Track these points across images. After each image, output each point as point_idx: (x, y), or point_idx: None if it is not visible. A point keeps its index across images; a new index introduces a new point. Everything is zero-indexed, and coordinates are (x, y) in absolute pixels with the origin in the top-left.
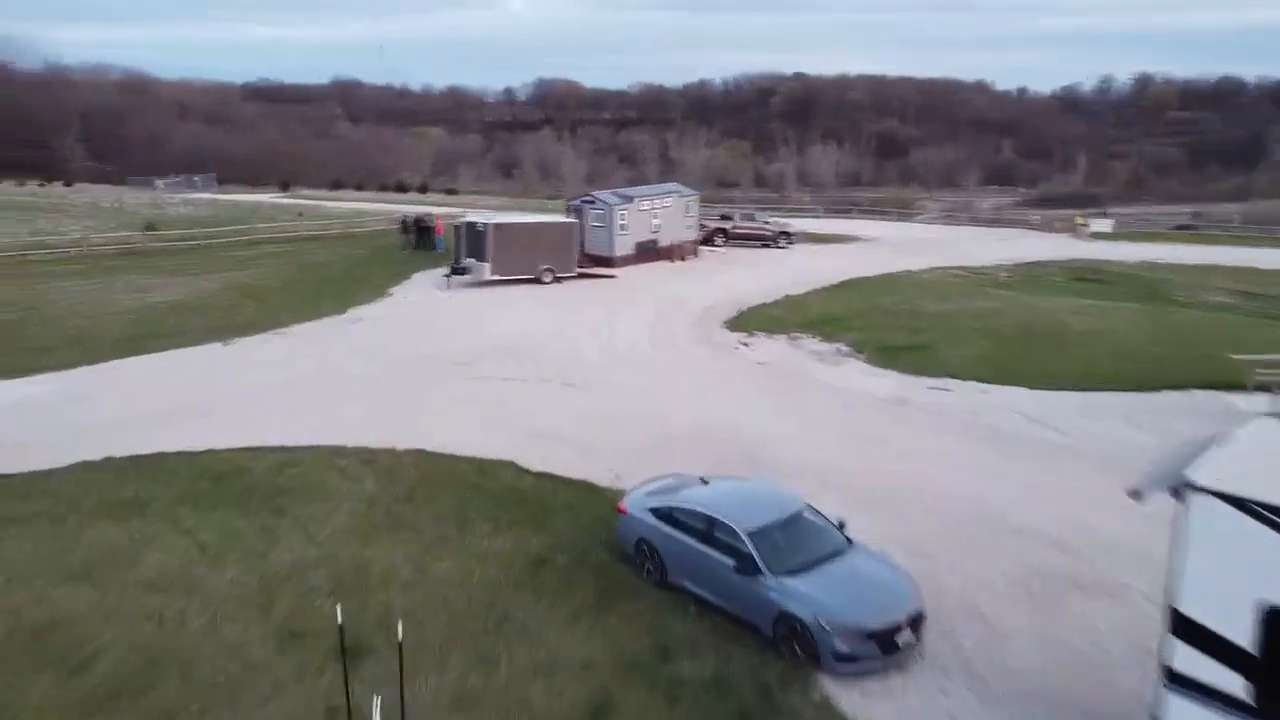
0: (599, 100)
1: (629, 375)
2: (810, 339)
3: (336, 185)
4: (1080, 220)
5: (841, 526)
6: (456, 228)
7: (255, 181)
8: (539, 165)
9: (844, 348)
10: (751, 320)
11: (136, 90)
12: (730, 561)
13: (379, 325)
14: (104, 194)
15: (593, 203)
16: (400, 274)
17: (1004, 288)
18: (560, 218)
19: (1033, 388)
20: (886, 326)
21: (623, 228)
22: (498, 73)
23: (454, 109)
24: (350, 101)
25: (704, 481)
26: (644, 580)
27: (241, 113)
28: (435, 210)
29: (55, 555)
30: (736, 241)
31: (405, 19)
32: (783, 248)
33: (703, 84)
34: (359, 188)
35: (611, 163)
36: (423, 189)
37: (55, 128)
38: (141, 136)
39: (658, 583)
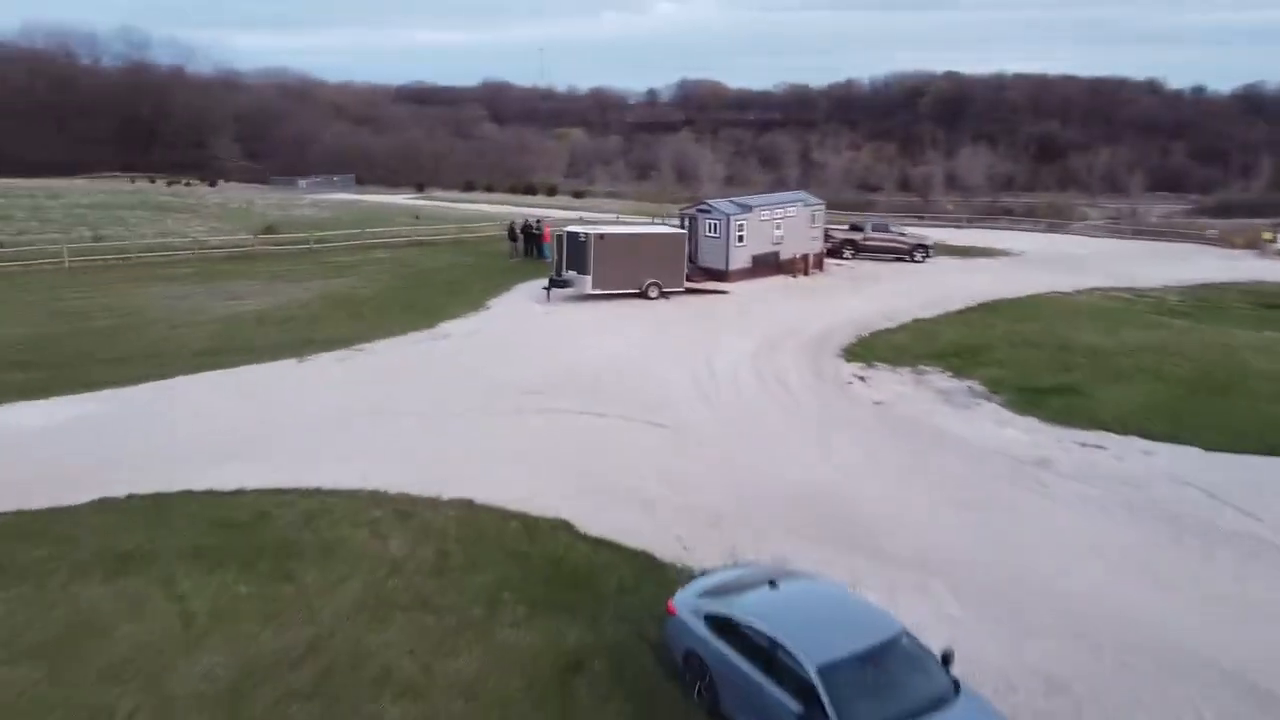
0: (742, 101)
1: (722, 414)
2: (938, 373)
3: (469, 186)
4: (1268, 235)
5: (947, 661)
6: (558, 238)
7: (394, 182)
8: (676, 167)
9: (977, 386)
10: (872, 349)
11: (296, 93)
12: (794, 705)
13: (464, 343)
14: (238, 194)
15: (708, 212)
16: (502, 284)
17: (1173, 316)
18: (669, 228)
19: (1210, 448)
20: (1030, 361)
21: (739, 240)
22: (644, 74)
23: (596, 110)
24: (497, 103)
25: (772, 584)
26: (693, 704)
27: (390, 114)
28: (561, 215)
29: (24, 621)
30: (867, 254)
31: (560, 23)
32: (918, 262)
33: (849, 84)
34: (489, 189)
35: (752, 165)
36: (551, 191)
37: (213, 129)
38: (291, 137)
39: (710, 710)
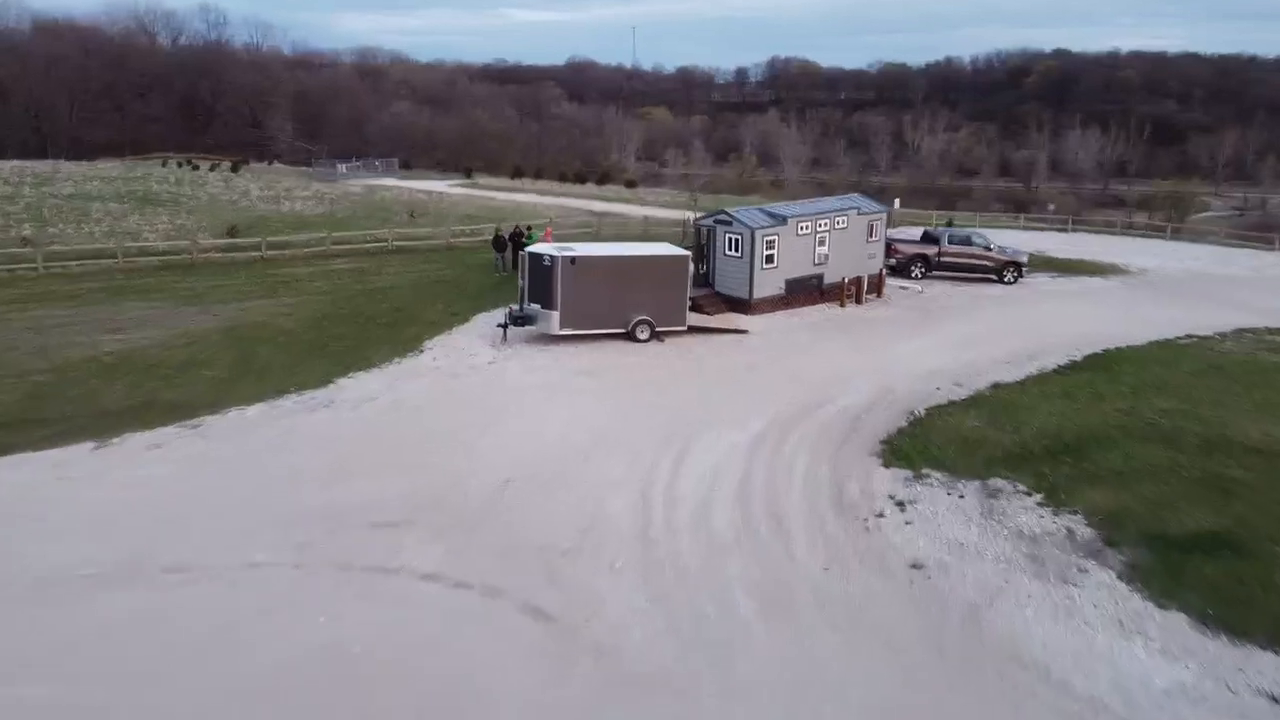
0: (834, 80)
1: (657, 592)
2: (1021, 496)
3: (517, 173)
4: None
5: None
6: (522, 258)
7: (453, 165)
8: (760, 148)
9: (1082, 529)
10: (927, 441)
11: (372, 73)
12: None
13: (343, 419)
14: (242, 183)
15: (728, 224)
16: (463, 312)
17: None
18: (667, 249)
19: None
20: (1165, 471)
21: (768, 260)
22: (736, 53)
23: (682, 90)
24: (580, 83)
25: None
26: None
27: (464, 94)
28: (601, 208)
29: None
30: (944, 271)
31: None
32: (1008, 283)
33: (949, 62)
34: (537, 175)
35: (839, 147)
36: (602, 179)
37: (269, 109)
38: (348, 118)
39: None
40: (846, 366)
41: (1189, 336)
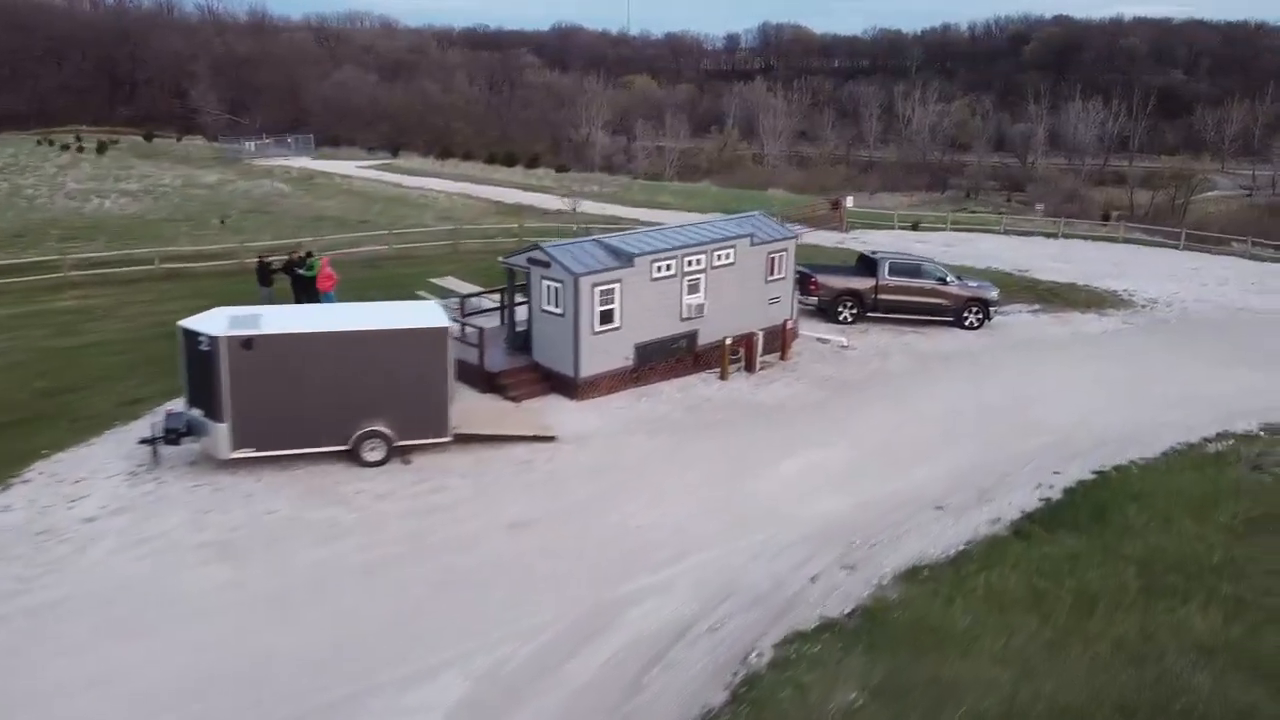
0: (828, 47)
1: None
2: None
3: (444, 153)
4: None
5: None
6: (184, 335)
7: (392, 142)
8: (743, 120)
9: None
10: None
11: (332, 37)
12: None
13: None
14: (86, 169)
15: (545, 265)
16: (152, 397)
17: None
18: (423, 313)
19: None
20: None
21: (604, 318)
22: (734, 18)
23: (670, 57)
24: (564, 49)
25: None
26: None
27: (433, 62)
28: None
29: None
30: (885, 313)
31: None
32: (971, 328)
33: (946, 29)
34: (466, 156)
35: (828, 118)
36: (532, 162)
37: (194, 78)
38: (283, 88)
39: None
40: (678, 518)
41: (1224, 437)
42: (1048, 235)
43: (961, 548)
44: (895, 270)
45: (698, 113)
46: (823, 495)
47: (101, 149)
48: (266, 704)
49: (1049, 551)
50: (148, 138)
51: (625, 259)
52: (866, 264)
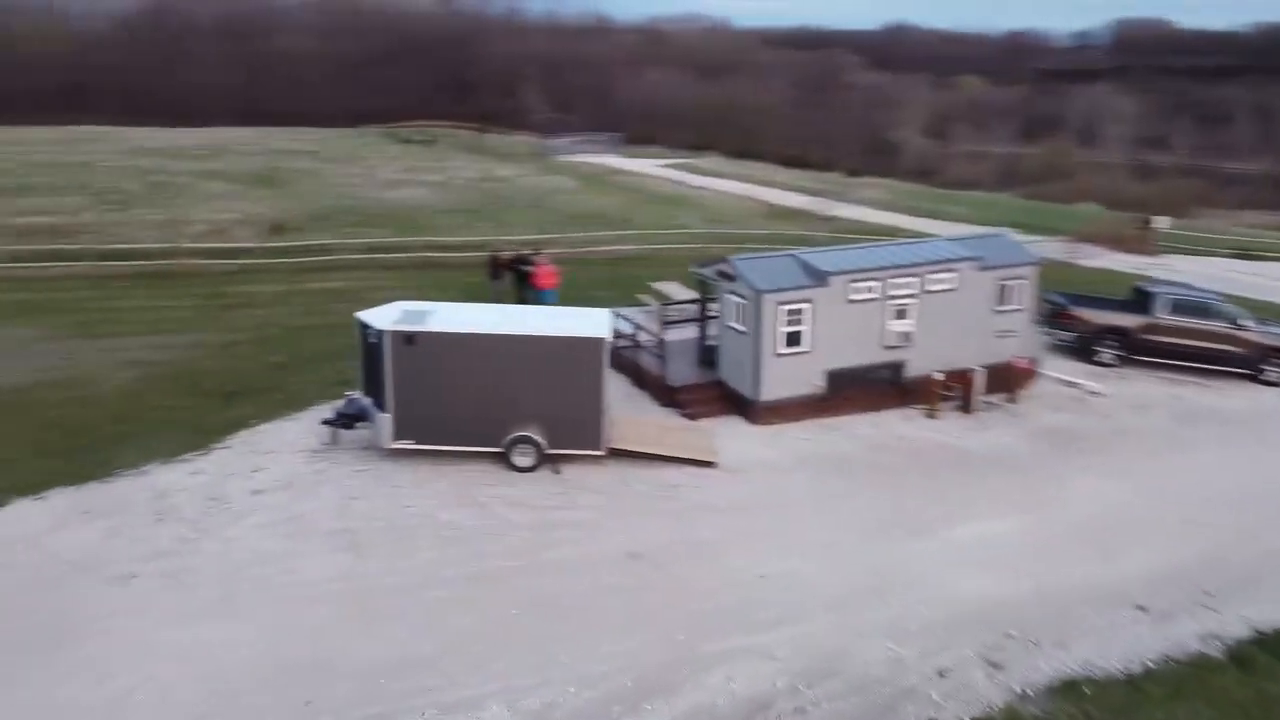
0: (1193, 44)
1: None
2: None
3: (741, 154)
4: None
5: None
6: (360, 326)
7: (701, 143)
8: (1083, 125)
9: None
10: None
11: (654, 40)
12: None
13: None
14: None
15: (732, 279)
16: (347, 379)
17: None
18: (584, 322)
19: None
20: None
21: (791, 340)
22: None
23: (1008, 55)
24: (892, 48)
25: None
26: None
27: (748, 62)
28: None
29: None
30: (1157, 357)
31: None
32: (1273, 384)
33: None
34: (764, 158)
35: (1185, 124)
36: (826, 165)
37: (522, 78)
38: (597, 88)
39: None
40: (808, 573)
41: None
42: None
43: (1150, 664)
44: (1177, 308)
45: (1030, 116)
46: (992, 571)
47: (430, 143)
48: (310, 708)
49: (1273, 691)
50: (481, 133)
51: (819, 278)
52: (1141, 297)
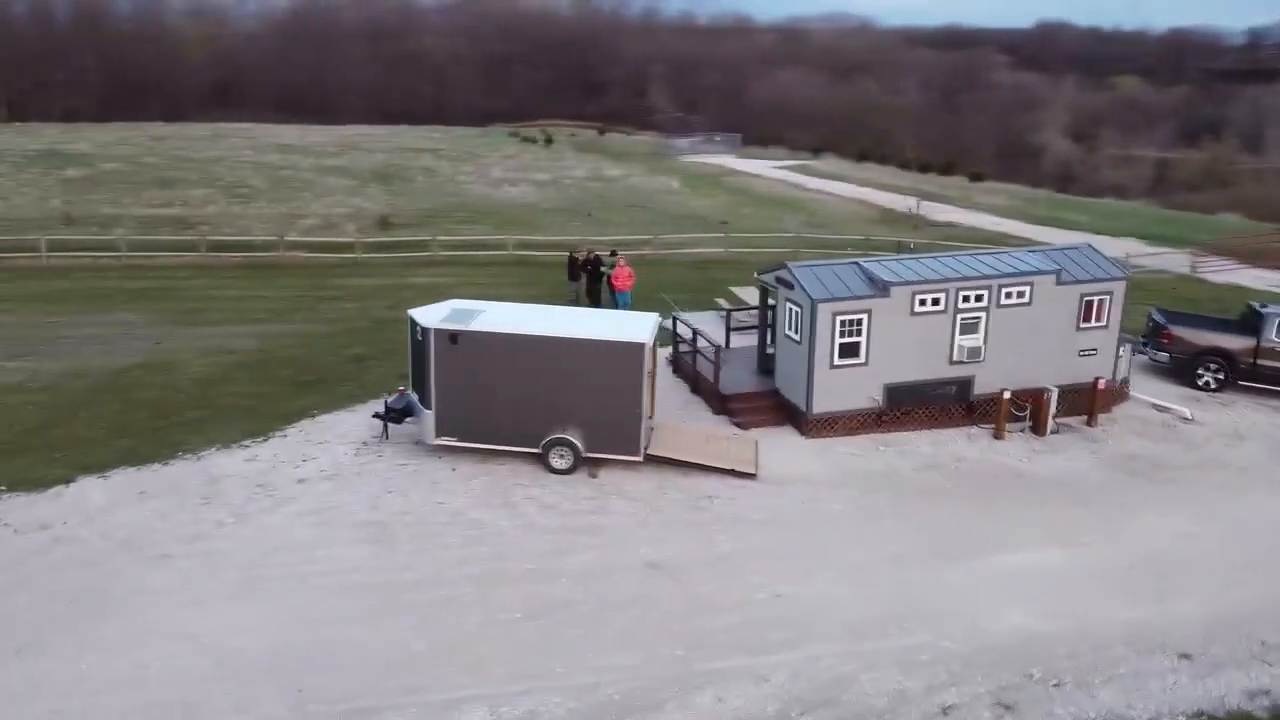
0: None
1: None
2: None
3: (863, 157)
4: None
5: None
6: (410, 323)
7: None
8: (1249, 129)
9: None
10: None
11: (792, 39)
12: None
13: None
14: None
15: (790, 287)
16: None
17: None
18: (627, 325)
19: None
20: None
21: (847, 351)
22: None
23: (1171, 54)
24: (1044, 47)
25: None
26: None
27: (884, 62)
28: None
29: None
30: (1269, 384)
31: None
32: None
33: None
34: (881, 159)
35: None
36: (946, 169)
37: (650, 78)
38: (721, 88)
39: None
40: (829, 596)
41: None
42: None
43: (1182, 717)
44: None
45: (1190, 118)
46: (1030, 604)
47: (549, 142)
48: (301, 697)
49: None
50: (601, 133)
51: (880, 287)
52: (1253, 317)
